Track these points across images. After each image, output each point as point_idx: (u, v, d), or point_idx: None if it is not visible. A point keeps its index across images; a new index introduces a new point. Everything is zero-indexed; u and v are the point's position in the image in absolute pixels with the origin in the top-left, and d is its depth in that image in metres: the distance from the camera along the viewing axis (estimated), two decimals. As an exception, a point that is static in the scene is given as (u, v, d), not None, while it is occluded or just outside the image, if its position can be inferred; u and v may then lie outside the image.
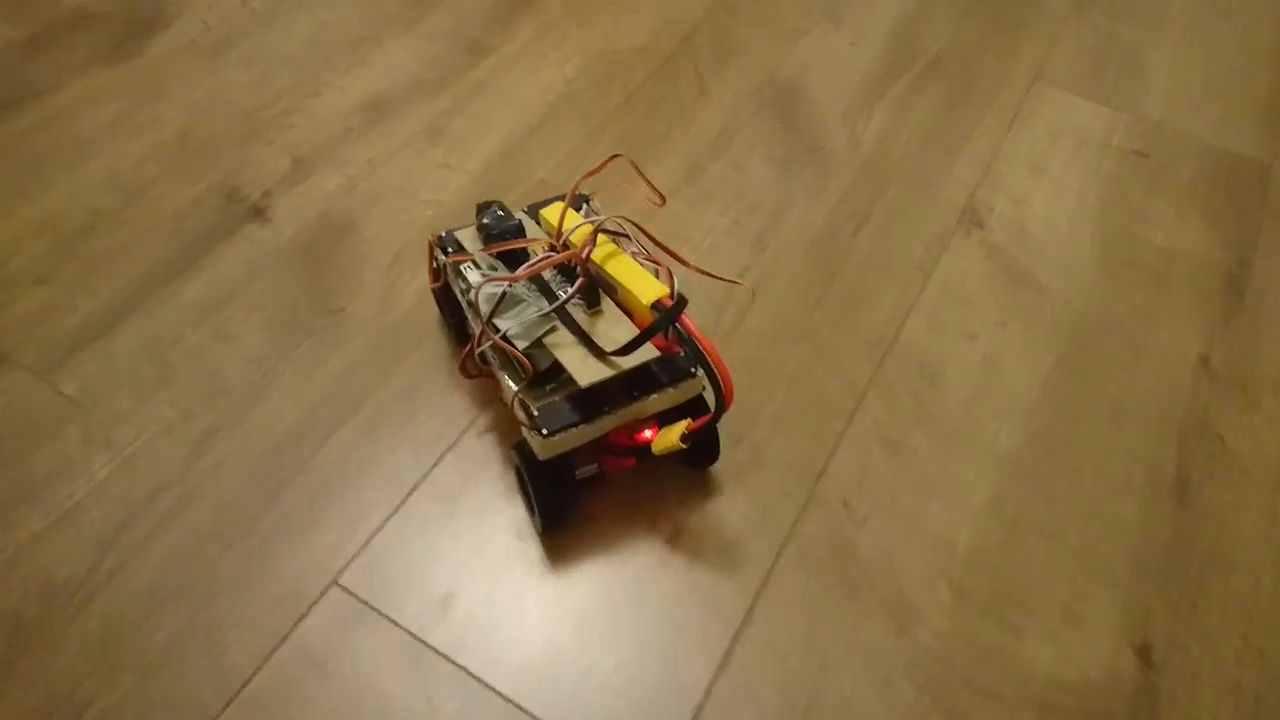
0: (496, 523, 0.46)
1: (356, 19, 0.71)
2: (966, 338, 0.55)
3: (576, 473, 0.43)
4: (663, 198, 0.49)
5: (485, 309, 0.41)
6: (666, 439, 0.41)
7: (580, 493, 0.45)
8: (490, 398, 0.50)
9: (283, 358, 0.51)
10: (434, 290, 0.49)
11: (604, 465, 0.44)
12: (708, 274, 0.44)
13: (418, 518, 0.46)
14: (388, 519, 0.45)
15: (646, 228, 0.44)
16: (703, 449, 0.46)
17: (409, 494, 0.46)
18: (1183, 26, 0.77)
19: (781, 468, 0.48)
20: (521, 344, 0.40)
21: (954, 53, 0.73)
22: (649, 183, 0.48)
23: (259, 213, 0.57)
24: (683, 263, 0.44)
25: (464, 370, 0.47)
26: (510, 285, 0.41)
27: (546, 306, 0.41)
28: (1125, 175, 0.65)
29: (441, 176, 0.61)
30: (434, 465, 0.47)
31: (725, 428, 0.46)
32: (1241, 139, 0.68)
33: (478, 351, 0.42)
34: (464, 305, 0.45)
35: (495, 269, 0.44)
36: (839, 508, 0.47)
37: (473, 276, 0.43)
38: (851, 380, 0.52)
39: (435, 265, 0.47)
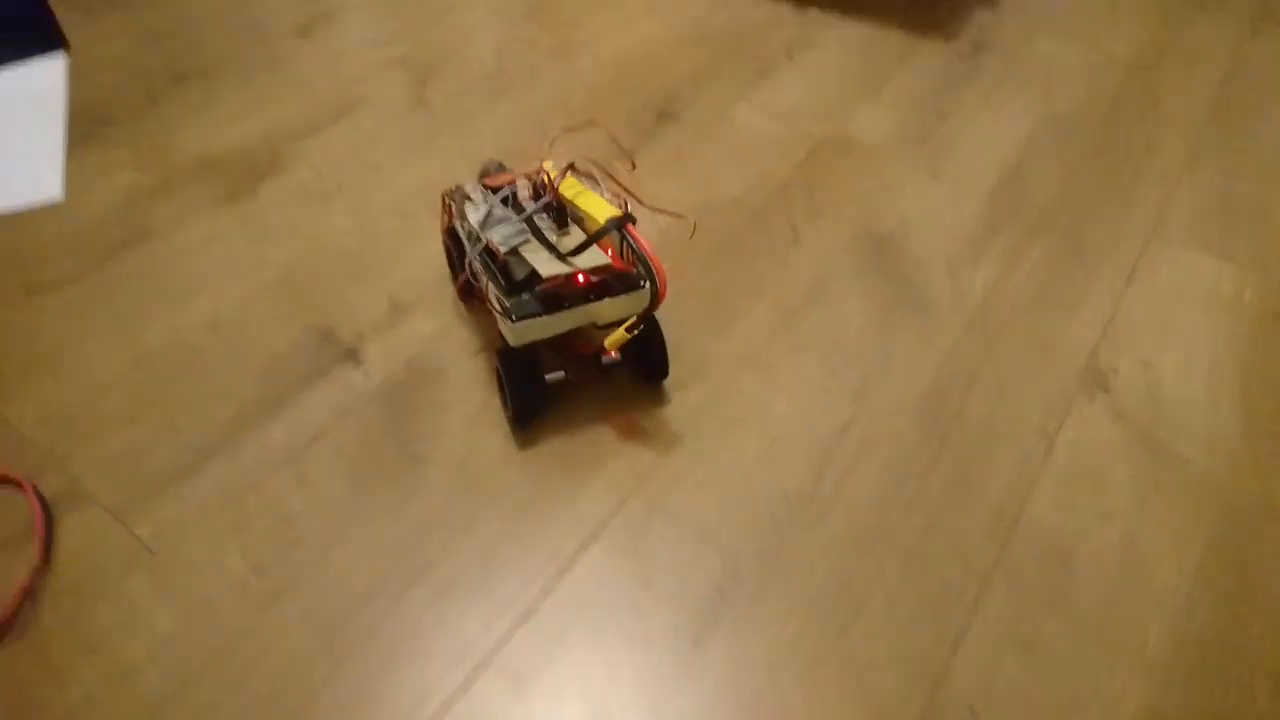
0: (570, 711, 0.41)
1: (461, 169, 0.73)
2: (1101, 518, 0.49)
3: (546, 377, 0.51)
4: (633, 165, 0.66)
5: (475, 220, 0.51)
6: (617, 334, 0.49)
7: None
8: (565, 560, 0.46)
9: (359, 507, 0.49)
10: (444, 239, 0.59)
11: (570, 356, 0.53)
12: (655, 209, 0.54)
13: (485, 699, 0.41)
14: (453, 699, 0.41)
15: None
16: (650, 359, 0.54)
17: (478, 669, 0.42)
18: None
19: (896, 665, 0.43)
20: (503, 248, 0.49)
21: (1062, 206, 0.71)
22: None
23: (352, 355, 0.57)
24: (637, 200, 0.55)
25: (461, 293, 0.59)
26: (495, 206, 0.52)
27: (523, 225, 0.51)
28: (1265, 338, 0.60)
29: (532, 322, 0.60)
30: (507, 639, 0.43)
31: (831, 608, 0.41)
32: (1393, 301, 0.63)
33: (469, 260, 0.51)
34: (464, 237, 0.53)
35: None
36: (965, 718, 0.41)
37: (472, 215, 0.52)
38: (973, 562, 0.47)
39: (446, 208, 0.56)
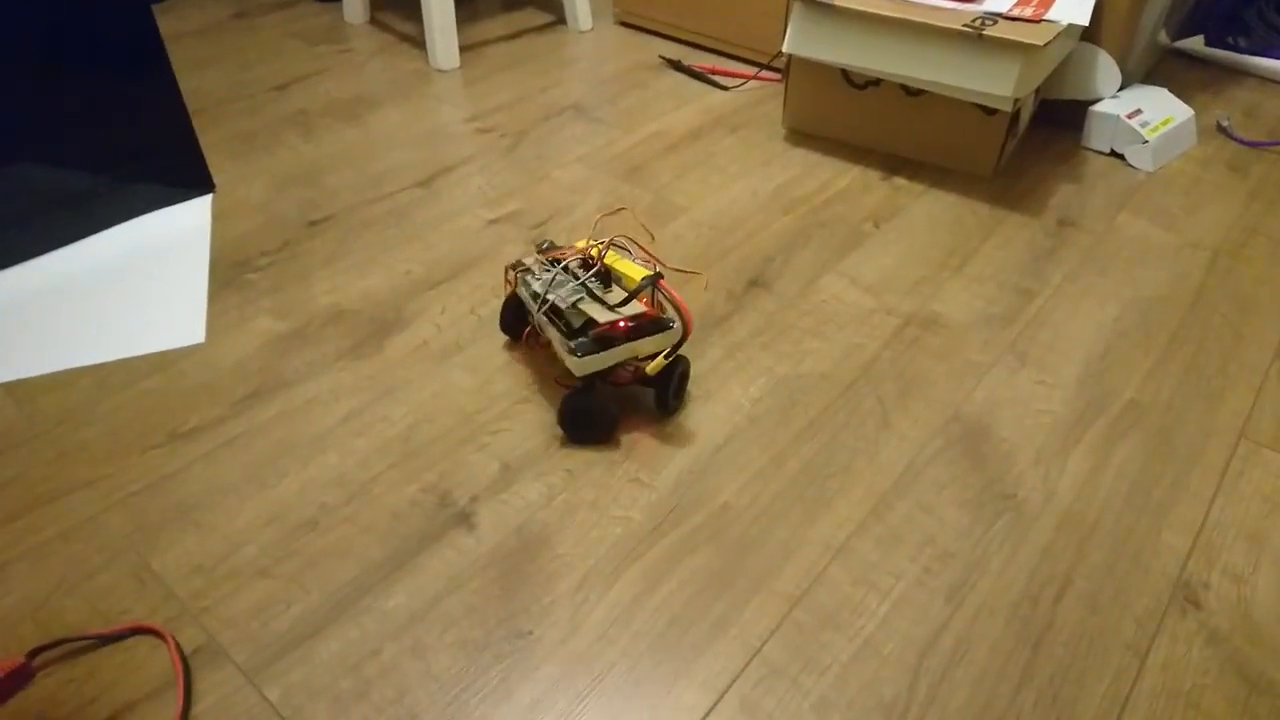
0: None
1: (564, 329, 0.79)
2: (1200, 750, 0.49)
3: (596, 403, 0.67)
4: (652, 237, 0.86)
5: (539, 285, 0.69)
6: (657, 361, 0.65)
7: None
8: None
9: (471, 683, 0.51)
10: (505, 301, 0.76)
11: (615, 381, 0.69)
12: (676, 269, 0.80)
13: None
14: None
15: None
16: (672, 387, 0.69)
17: None
18: (1402, 385, 0.73)
19: None
20: (565, 304, 0.66)
21: (1150, 400, 0.72)
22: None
23: (465, 518, 0.61)
24: (659, 262, 0.71)
25: (527, 339, 0.76)
26: (557, 274, 0.69)
27: (578, 285, 0.68)
28: (1363, 557, 0.60)
29: (632, 492, 0.63)
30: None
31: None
32: None
33: (537, 317, 0.68)
34: (528, 300, 0.70)
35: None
36: None
37: (536, 282, 0.70)
38: (1069, 791, 0.47)
39: (510, 279, 0.73)
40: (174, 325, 0.78)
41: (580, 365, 0.64)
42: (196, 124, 1.11)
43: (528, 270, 0.72)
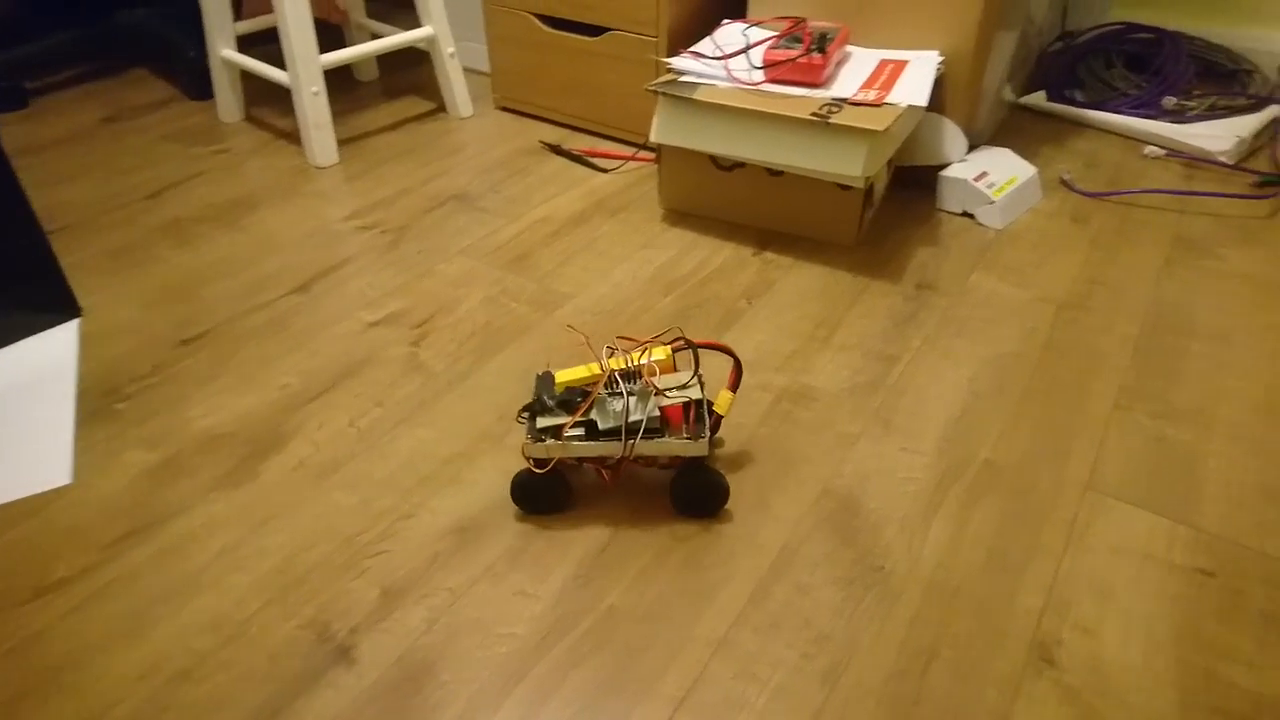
0: None
1: (451, 435, 0.79)
2: (1055, 813, 0.52)
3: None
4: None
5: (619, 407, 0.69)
6: (724, 400, 0.72)
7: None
8: None
9: (354, 830, 0.51)
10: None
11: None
12: (708, 345, 0.73)
13: None
14: None
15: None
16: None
17: None
18: (1231, 427, 0.80)
19: None
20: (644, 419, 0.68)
21: (1004, 459, 0.77)
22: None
23: (345, 653, 0.61)
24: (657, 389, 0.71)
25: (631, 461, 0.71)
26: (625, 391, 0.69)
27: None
28: (1194, 598, 0.65)
29: (517, 606, 0.64)
30: None
31: None
32: (1309, 552, 0.68)
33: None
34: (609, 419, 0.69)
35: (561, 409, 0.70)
36: None
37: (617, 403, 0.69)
38: None
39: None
40: (39, 467, 0.76)
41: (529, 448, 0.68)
42: (62, 242, 1.09)
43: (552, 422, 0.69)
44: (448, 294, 0.99)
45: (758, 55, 1.03)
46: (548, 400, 0.70)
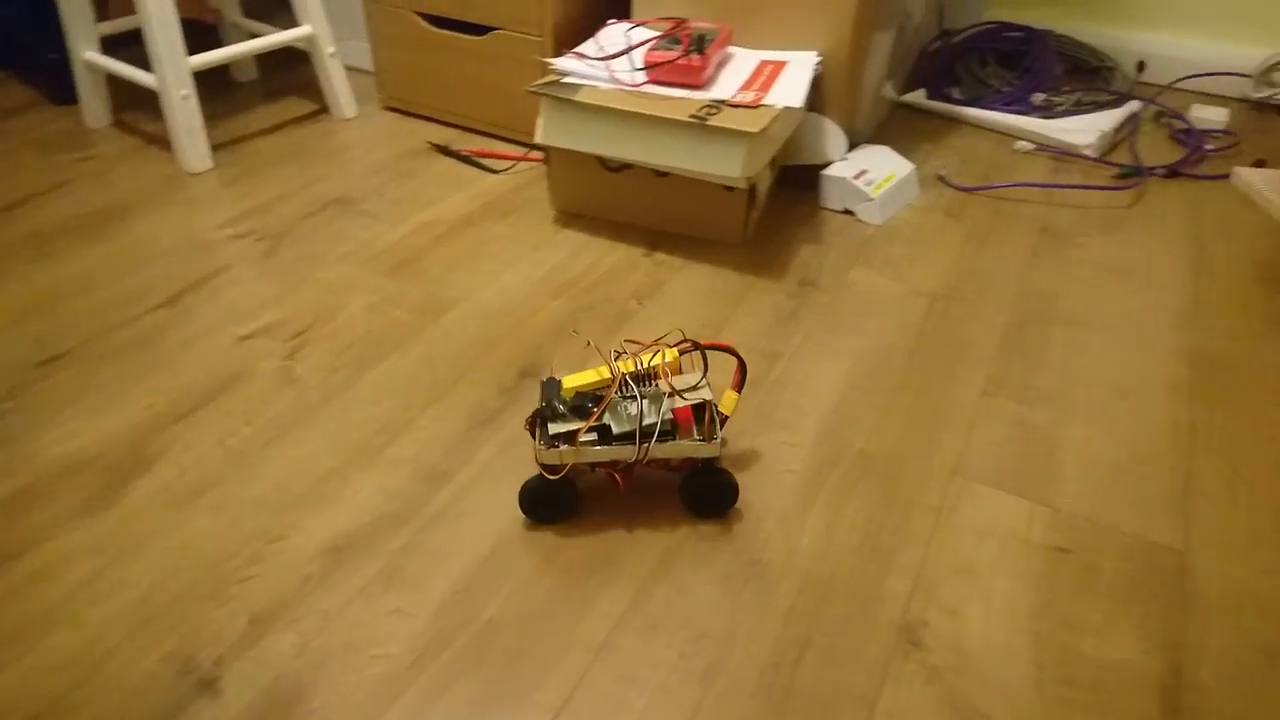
0: None
1: (326, 452, 0.77)
2: (916, 791, 0.54)
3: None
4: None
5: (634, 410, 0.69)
6: (729, 400, 0.72)
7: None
8: None
9: None
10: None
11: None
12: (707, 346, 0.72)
13: None
14: None
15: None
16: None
17: None
18: (1088, 408, 0.85)
19: None
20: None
21: (876, 448, 0.80)
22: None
23: (209, 685, 0.58)
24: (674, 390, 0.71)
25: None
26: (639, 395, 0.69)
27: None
28: (1050, 575, 0.68)
29: (393, 625, 0.63)
30: None
31: None
32: (1155, 525, 0.73)
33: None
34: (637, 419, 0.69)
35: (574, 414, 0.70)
36: None
37: (632, 406, 0.69)
38: None
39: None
40: None
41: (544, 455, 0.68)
42: (-95, 257, 1.01)
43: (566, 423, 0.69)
44: (326, 303, 0.96)
45: (639, 56, 1.03)
46: (559, 406, 0.69)
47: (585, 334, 0.92)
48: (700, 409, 0.69)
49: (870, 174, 1.16)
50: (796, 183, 1.21)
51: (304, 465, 0.76)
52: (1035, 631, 0.64)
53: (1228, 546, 0.71)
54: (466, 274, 1.02)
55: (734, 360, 0.72)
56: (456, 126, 1.36)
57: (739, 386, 0.72)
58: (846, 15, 1.06)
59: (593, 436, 0.68)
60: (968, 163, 1.31)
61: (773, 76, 1.04)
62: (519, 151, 1.27)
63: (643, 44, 1.05)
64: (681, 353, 0.71)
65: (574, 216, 1.14)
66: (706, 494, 0.72)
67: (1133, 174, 1.27)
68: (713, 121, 0.93)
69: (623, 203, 1.10)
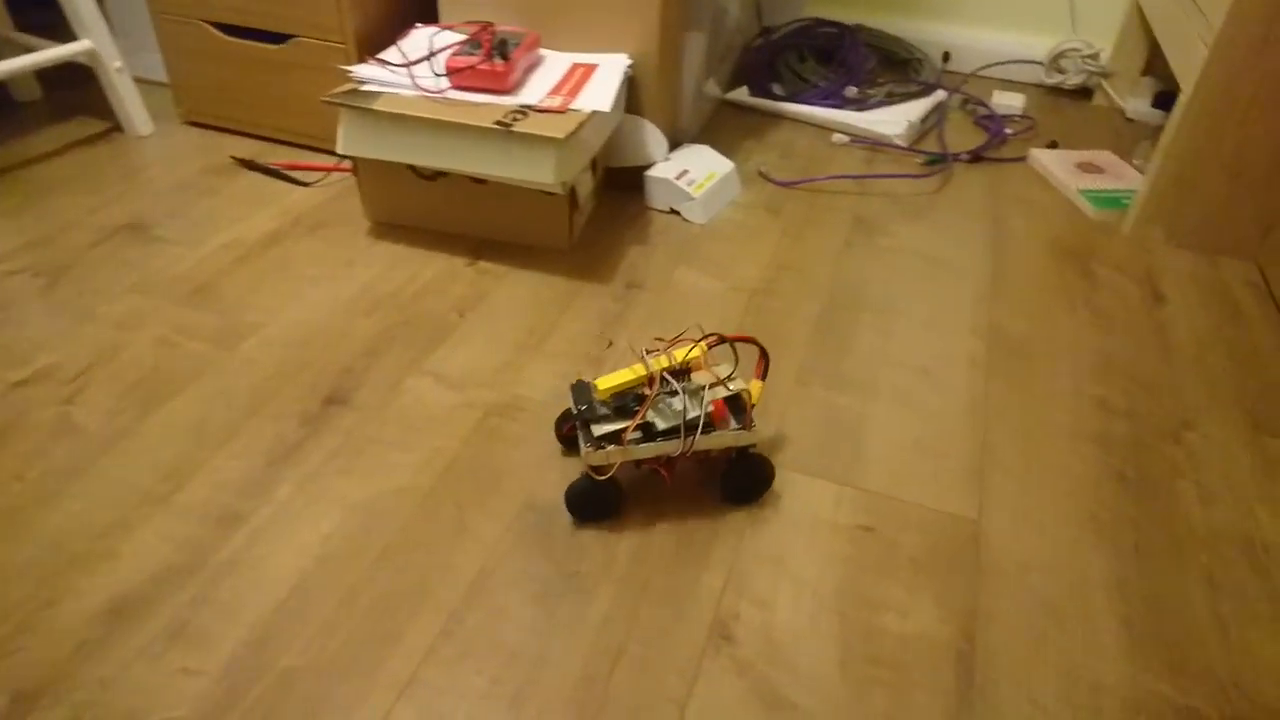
0: None
1: (106, 504, 0.71)
2: (723, 789, 0.55)
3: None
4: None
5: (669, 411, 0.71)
6: (755, 389, 0.74)
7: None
8: None
9: None
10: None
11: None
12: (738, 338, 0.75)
13: None
14: None
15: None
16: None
17: None
18: (892, 389, 0.89)
19: None
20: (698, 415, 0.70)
21: (696, 447, 0.81)
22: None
23: (-45, 782, 0.52)
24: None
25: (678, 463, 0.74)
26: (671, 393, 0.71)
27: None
28: (855, 555, 0.71)
29: (180, 685, 0.58)
30: None
31: None
32: (952, 496, 0.77)
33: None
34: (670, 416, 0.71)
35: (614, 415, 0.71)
36: None
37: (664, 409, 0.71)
38: None
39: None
40: None
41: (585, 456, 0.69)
42: None
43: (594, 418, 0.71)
44: (111, 339, 0.88)
45: (441, 62, 1.00)
46: (600, 407, 0.71)
47: (399, 351, 0.89)
48: (734, 399, 0.72)
49: (691, 173, 1.17)
50: (624, 184, 1.21)
51: (81, 520, 0.69)
52: (841, 613, 0.66)
53: (1019, 513, 0.76)
54: (270, 296, 0.96)
55: (757, 351, 0.75)
56: (263, 139, 1.29)
57: (763, 375, 0.76)
58: (653, 17, 1.07)
59: (638, 435, 0.69)
60: (788, 157, 1.36)
61: (583, 80, 1.03)
62: (330, 162, 1.21)
63: (447, 49, 1.02)
64: (711, 346, 0.73)
65: (391, 228, 1.10)
66: (749, 480, 0.74)
67: (939, 161, 1.35)
68: (518, 127, 0.91)
69: (441, 211, 1.07)
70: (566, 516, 0.73)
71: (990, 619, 0.67)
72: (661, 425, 0.70)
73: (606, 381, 0.72)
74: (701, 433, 0.70)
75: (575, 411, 0.71)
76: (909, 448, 0.82)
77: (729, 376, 0.73)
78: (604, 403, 0.71)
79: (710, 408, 0.70)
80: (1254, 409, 0.88)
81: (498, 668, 0.61)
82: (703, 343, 0.73)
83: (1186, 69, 1.11)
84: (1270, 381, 0.92)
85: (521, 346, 0.92)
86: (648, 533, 0.72)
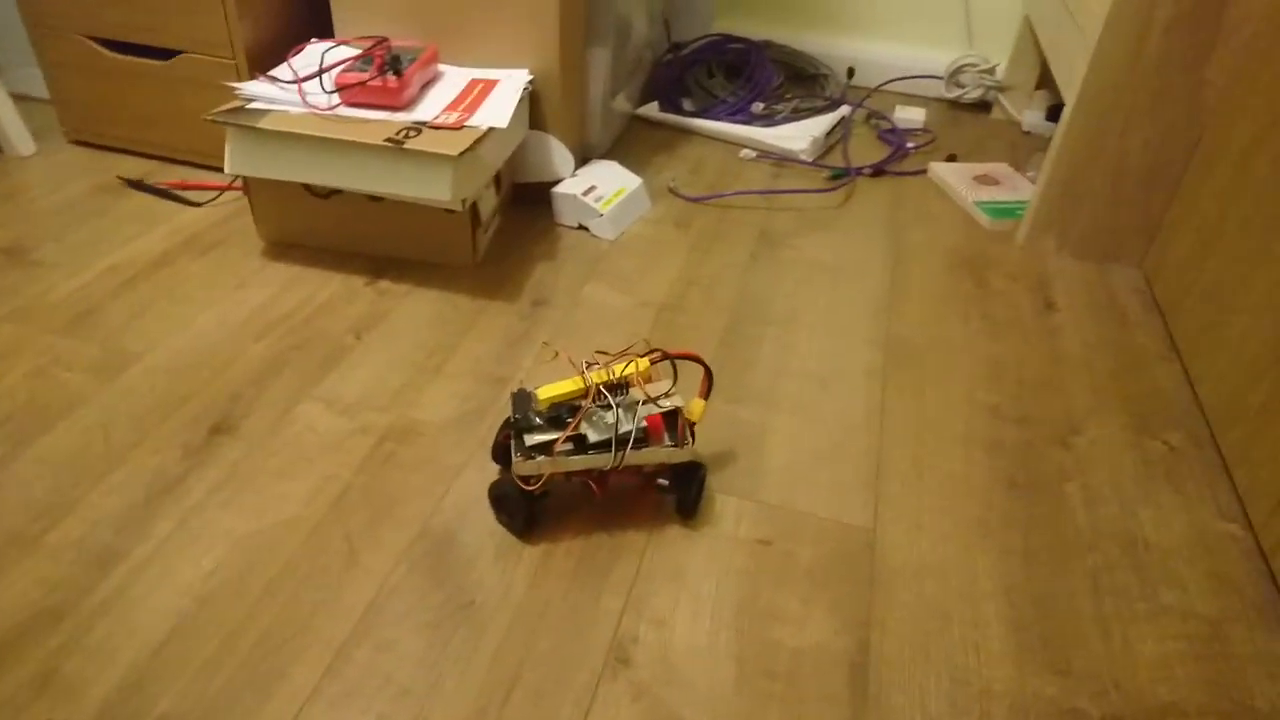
0: None
1: (-38, 549, 0.67)
2: (614, 818, 0.54)
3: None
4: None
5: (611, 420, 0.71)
6: (697, 408, 0.73)
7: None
8: None
9: None
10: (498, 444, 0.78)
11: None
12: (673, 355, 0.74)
13: None
14: None
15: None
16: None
17: None
18: (792, 401, 0.90)
19: None
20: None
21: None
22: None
23: None
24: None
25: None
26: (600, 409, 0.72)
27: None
28: (753, 569, 0.71)
29: (39, 742, 0.55)
30: None
31: None
32: (848, 506, 0.78)
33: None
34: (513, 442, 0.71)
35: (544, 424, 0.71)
36: None
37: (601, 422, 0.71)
38: None
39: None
40: None
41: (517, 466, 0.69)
42: None
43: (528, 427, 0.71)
44: (-23, 373, 0.84)
45: (331, 79, 0.98)
46: (534, 417, 0.70)
47: (291, 376, 0.86)
48: (670, 416, 0.72)
49: (599, 189, 1.17)
50: (531, 199, 1.20)
51: (-67, 572, 0.65)
52: (738, 629, 0.66)
53: (912, 520, 0.77)
54: (155, 322, 0.92)
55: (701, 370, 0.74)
56: (154, 158, 1.24)
57: (706, 394, 0.74)
58: (552, 31, 1.07)
59: (569, 446, 0.69)
60: (697, 172, 1.37)
61: (481, 96, 1.02)
62: (222, 181, 1.17)
63: (336, 65, 1.00)
64: (653, 362, 0.73)
65: (287, 248, 1.07)
66: (696, 495, 0.75)
67: (842, 175, 1.38)
68: (410, 144, 0.90)
69: (337, 230, 1.04)
70: (461, 543, 0.71)
71: (884, 628, 0.68)
72: (594, 438, 0.69)
73: (547, 391, 0.71)
74: (633, 448, 0.70)
75: (512, 420, 0.71)
76: (807, 459, 0.83)
77: (667, 393, 0.72)
78: (540, 413, 0.71)
79: (644, 423, 0.70)
80: (1138, 412, 0.92)
81: (386, 704, 0.59)
82: (644, 359, 0.73)
83: (1069, 82, 1.16)
84: (1154, 386, 0.96)
85: (421, 368, 0.90)
86: (549, 554, 0.71)
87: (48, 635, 0.61)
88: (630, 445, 0.70)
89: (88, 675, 0.59)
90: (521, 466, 0.69)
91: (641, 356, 0.73)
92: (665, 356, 0.73)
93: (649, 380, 0.74)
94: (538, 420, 0.71)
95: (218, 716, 0.57)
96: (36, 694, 0.58)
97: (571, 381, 0.72)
